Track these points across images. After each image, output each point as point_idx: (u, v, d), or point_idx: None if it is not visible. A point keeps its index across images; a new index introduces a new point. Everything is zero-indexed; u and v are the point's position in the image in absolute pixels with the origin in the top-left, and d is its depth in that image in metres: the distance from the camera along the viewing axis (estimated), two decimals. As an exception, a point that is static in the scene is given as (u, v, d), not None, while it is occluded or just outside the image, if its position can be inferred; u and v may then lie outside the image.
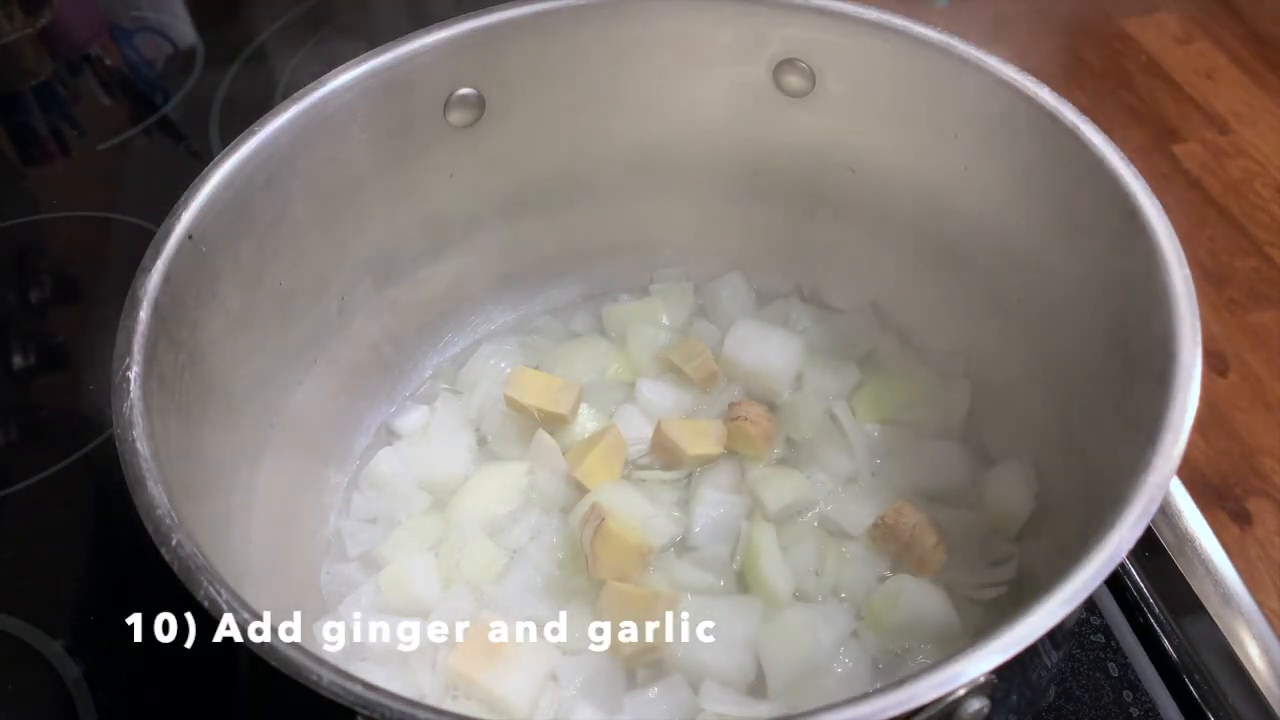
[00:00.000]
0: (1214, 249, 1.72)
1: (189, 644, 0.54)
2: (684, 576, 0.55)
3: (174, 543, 0.39)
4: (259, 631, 0.37)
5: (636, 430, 0.62)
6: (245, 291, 0.54)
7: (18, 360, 0.77)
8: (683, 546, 0.57)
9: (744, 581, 0.55)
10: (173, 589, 0.38)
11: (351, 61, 0.57)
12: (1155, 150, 1.90)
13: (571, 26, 0.60)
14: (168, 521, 0.40)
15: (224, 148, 0.53)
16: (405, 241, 0.64)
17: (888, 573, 0.55)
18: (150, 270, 0.48)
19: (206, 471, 0.49)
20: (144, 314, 0.46)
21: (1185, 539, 0.56)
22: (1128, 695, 0.53)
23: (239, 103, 0.93)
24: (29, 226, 0.87)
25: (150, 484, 0.41)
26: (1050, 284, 0.54)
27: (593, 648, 0.52)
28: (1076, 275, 0.52)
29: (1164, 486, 0.39)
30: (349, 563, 0.59)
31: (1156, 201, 0.47)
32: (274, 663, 0.36)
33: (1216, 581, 0.54)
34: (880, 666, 0.52)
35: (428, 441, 0.63)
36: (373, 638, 0.53)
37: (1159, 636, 0.55)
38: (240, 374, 0.54)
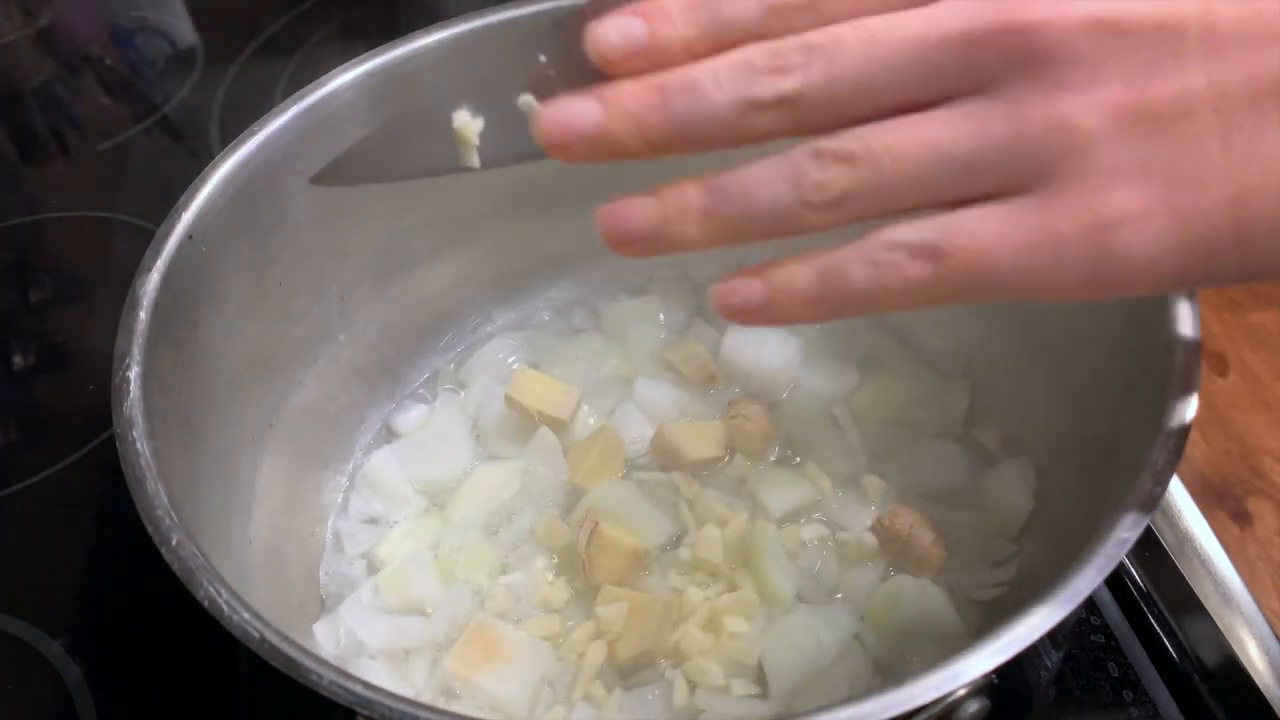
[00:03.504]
0: (1214, 249, 1.72)
1: (189, 644, 0.54)
2: (683, 578, 0.55)
3: (174, 543, 0.39)
4: (259, 631, 0.37)
5: (636, 430, 0.62)
6: (245, 292, 0.54)
7: (18, 360, 0.77)
8: (682, 548, 0.57)
9: (744, 583, 0.55)
10: (173, 589, 0.38)
11: (351, 61, 0.57)
12: (1155, 150, 1.90)
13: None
14: (168, 521, 0.40)
15: (224, 148, 0.53)
16: (405, 241, 0.64)
17: (888, 573, 0.55)
18: (150, 270, 0.48)
19: (206, 471, 0.49)
20: (144, 314, 0.46)
21: (1185, 539, 0.56)
22: (1128, 695, 0.53)
23: (239, 103, 0.93)
24: (29, 226, 0.87)
25: (150, 484, 0.41)
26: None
27: (591, 648, 0.52)
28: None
29: (1164, 486, 0.39)
30: (349, 563, 0.59)
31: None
32: (274, 663, 0.36)
33: (1216, 581, 0.54)
34: (881, 667, 0.52)
35: (426, 441, 0.63)
36: (373, 638, 0.53)
37: (1159, 636, 0.55)
38: (240, 374, 0.54)
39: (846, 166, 0.31)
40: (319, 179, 0.41)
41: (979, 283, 0.30)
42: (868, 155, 0.30)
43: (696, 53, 0.32)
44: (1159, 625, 0.55)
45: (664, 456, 0.60)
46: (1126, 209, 0.28)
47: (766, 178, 0.32)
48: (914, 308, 0.32)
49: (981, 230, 0.30)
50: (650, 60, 0.32)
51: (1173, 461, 0.39)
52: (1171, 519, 0.57)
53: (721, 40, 0.32)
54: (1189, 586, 0.55)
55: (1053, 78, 0.29)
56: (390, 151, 0.40)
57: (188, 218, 0.50)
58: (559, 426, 0.61)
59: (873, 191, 0.31)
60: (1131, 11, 0.28)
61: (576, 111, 0.33)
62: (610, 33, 0.32)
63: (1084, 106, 0.28)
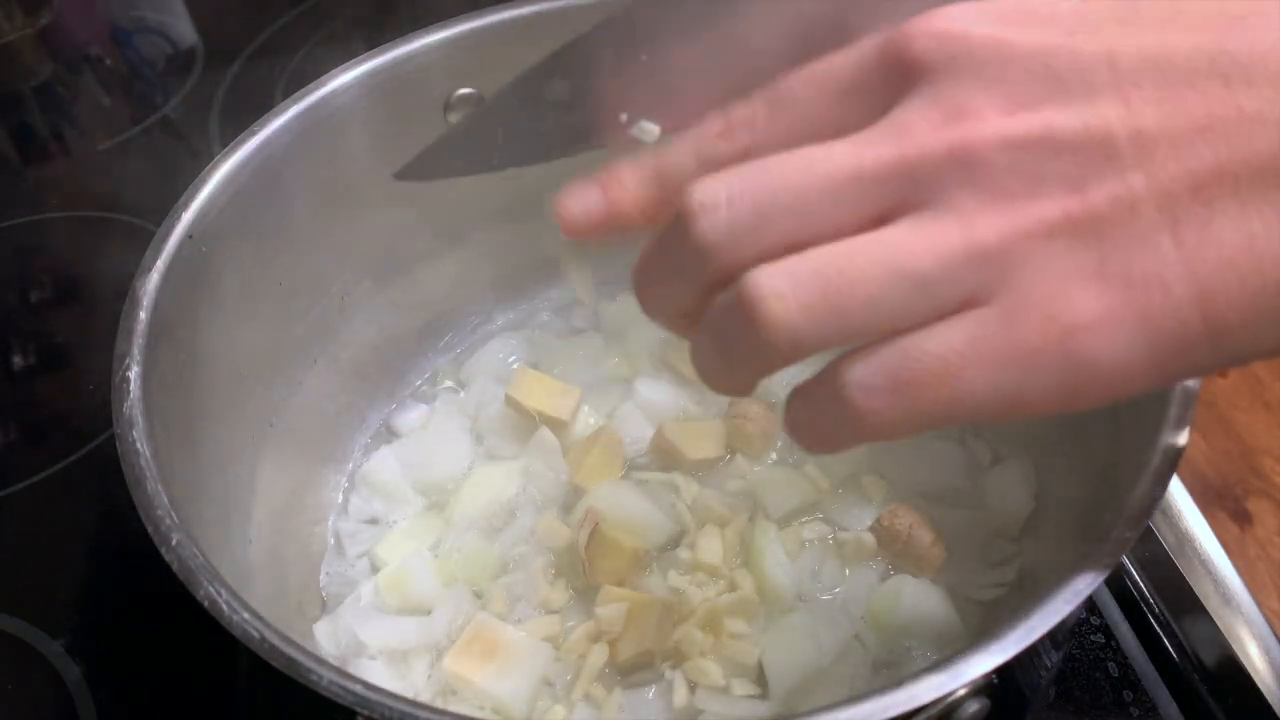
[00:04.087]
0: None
1: (189, 644, 0.54)
2: (683, 578, 0.55)
3: (174, 543, 0.39)
4: (259, 631, 0.37)
5: (636, 430, 0.62)
6: (245, 292, 0.54)
7: (18, 360, 0.77)
8: (682, 548, 0.57)
9: (744, 583, 0.55)
10: (173, 589, 0.38)
11: (351, 61, 0.57)
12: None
13: (572, 27, 0.59)
14: (168, 521, 0.40)
15: (224, 148, 0.53)
16: (405, 241, 0.64)
17: (888, 573, 0.55)
18: (150, 270, 0.48)
19: (206, 471, 0.49)
20: (144, 314, 0.46)
21: (1185, 539, 0.56)
22: (1128, 695, 0.53)
23: (239, 103, 0.93)
24: (29, 226, 0.87)
25: (150, 484, 0.41)
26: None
27: (591, 648, 0.52)
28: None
29: (1163, 486, 0.39)
30: (349, 563, 0.59)
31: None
32: (274, 663, 0.36)
33: (1216, 581, 0.54)
34: (881, 667, 0.52)
35: (426, 441, 0.63)
36: (373, 638, 0.53)
37: (1159, 636, 0.55)
38: (240, 374, 0.54)
39: (794, 298, 0.28)
40: (404, 174, 0.42)
41: (950, 408, 0.29)
42: (821, 282, 0.28)
43: (647, 210, 0.35)
44: (1159, 625, 0.55)
45: (664, 456, 0.60)
46: (1091, 315, 0.27)
47: (704, 335, 0.32)
48: (884, 440, 0.30)
49: (945, 353, 0.28)
50: (610, 225, 0.36)
51: (1173, 462, 0.39)
52: (1171, 519, 0.57)
53: (665, 193, 0.34)
54: (1189, 586, 0.55)
55: (995, 191, 0.28)
56: (478, 143, 0.41)
57: (188, 218, 0.50)
58: (559, 426, 0.61)
59: (831, 323, 0.29)
60: (1058, 122, 0.28)
61: None
62: (573, 206, 0.36)
63: (1030, 217, 0.28)
